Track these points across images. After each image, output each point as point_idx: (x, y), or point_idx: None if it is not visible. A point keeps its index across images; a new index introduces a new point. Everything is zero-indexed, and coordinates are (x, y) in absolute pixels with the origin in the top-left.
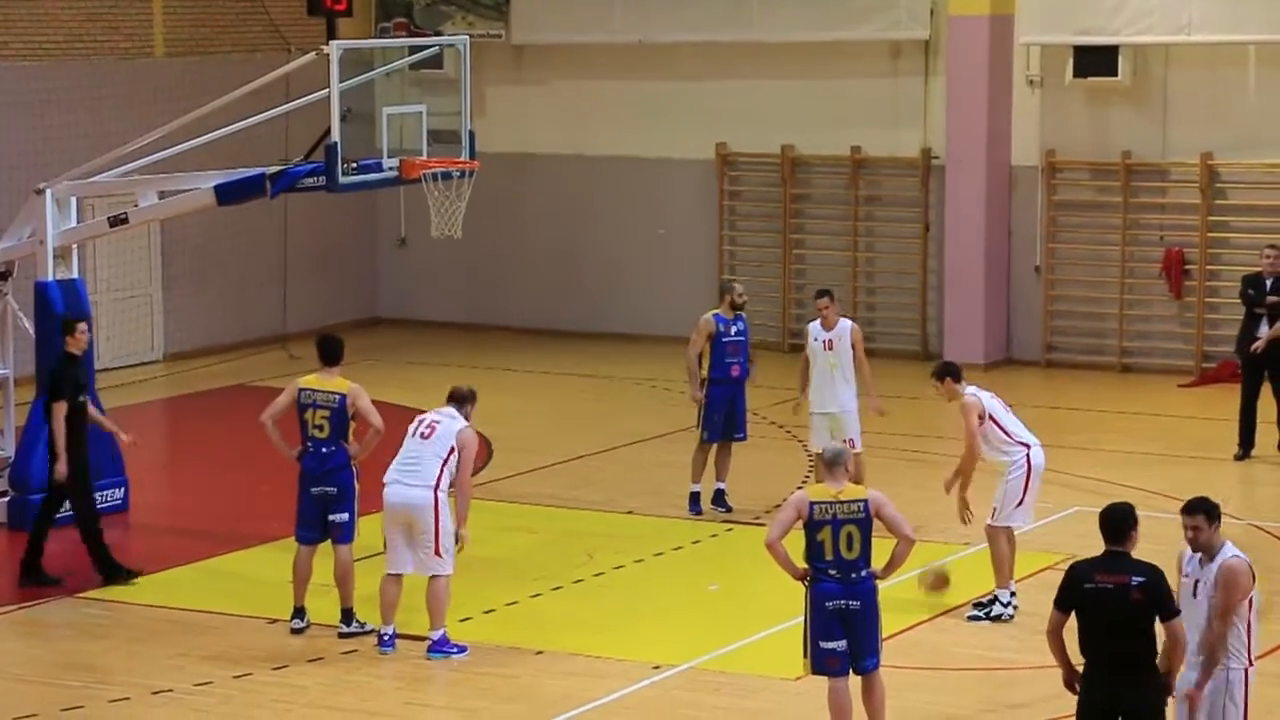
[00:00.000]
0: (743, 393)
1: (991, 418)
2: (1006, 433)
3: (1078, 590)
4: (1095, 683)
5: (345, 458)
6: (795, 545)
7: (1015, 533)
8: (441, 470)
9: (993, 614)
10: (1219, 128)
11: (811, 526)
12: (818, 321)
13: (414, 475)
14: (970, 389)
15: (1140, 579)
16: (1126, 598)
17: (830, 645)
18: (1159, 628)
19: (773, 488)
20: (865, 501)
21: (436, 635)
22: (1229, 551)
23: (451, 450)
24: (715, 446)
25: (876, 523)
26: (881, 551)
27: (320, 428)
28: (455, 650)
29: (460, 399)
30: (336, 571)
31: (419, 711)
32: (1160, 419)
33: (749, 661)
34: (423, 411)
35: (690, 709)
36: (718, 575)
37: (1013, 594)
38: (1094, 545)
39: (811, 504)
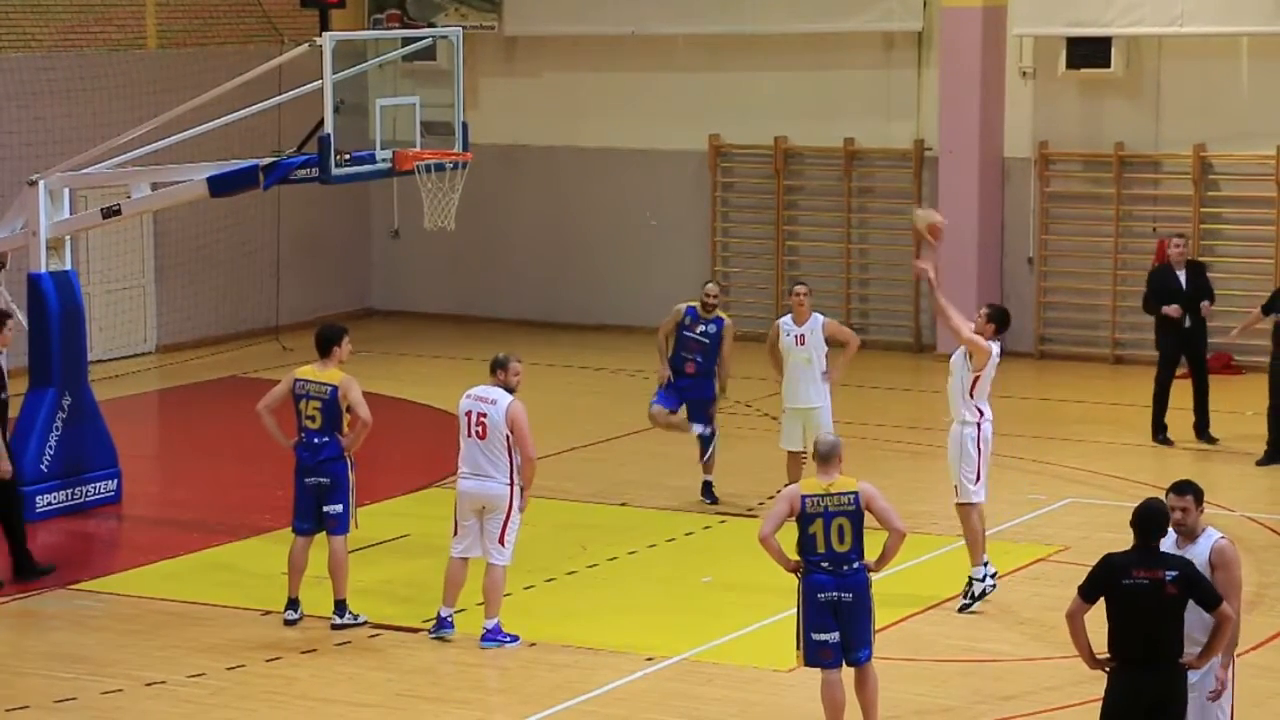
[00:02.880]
0: (699, 390)
1: (976, 376)
2: (972, 392)
3: (1114, 585)
4: (1124, 678)
5: (338, 449)
6: (788, 538)
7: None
8: (510, 459)
9: (976, 593)
10: (1211, 119)
11: (804, 519)
12: (788, 316)
13: (488, 469)
14: (995, 345)
15: (1174, 573)
16: (1162, 592)
17: (823, 637)
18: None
19: (764, 480)
20: (856, 494)
21: (490, 625)
22: (1213, 534)
23: (508, 435)
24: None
25: (868, 515)
26: (873, 544)
27: (313, 418)
28: (508, 640)
29: (500, 368)
30: (330, 563)
31: (411, 703)
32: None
33: (742, 653)
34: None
35: (683, 700)
36: (711, 567)
37: (986, 564)
38: (1088, 536)
39: (803, 497)
